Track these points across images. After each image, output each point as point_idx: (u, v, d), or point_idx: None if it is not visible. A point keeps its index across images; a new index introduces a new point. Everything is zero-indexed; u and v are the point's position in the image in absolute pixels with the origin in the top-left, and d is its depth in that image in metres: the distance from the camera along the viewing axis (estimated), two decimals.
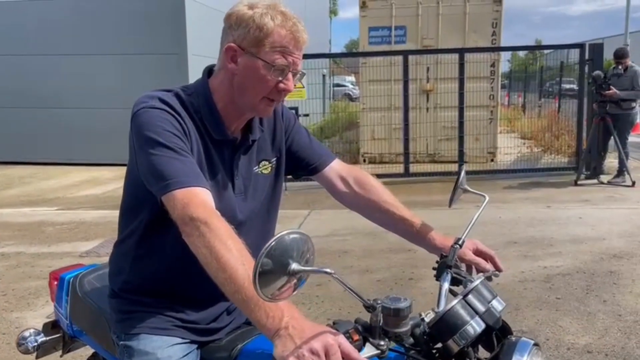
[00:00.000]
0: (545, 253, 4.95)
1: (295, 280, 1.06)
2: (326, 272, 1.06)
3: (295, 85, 1.42)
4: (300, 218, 6.43)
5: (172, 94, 1.39)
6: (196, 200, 1.21)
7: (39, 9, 11.08)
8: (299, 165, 1.63)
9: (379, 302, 1.13)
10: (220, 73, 1.41)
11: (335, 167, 1.65)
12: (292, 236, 1.04)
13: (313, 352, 1.01)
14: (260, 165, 1.52)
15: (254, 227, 1.50)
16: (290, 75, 1.37)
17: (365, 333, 1.12)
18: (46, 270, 4.82)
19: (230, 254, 1.14)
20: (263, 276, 1.01)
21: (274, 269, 1.03)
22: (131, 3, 10.84)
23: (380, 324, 1.13)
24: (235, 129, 1.46)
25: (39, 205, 7.63)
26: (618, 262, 4.66)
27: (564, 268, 4.55)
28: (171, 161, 1.26)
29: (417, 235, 1.60)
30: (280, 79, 1.35)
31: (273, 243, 1.01)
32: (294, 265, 1.04)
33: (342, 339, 1.05)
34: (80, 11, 10.99)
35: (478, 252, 1.52)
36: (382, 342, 1.12)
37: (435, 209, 6.86)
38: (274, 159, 1.55)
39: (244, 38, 1.34)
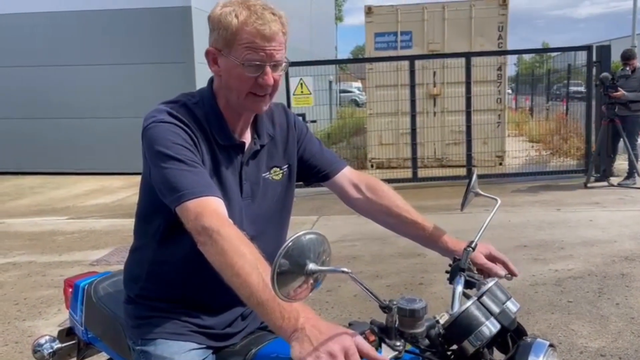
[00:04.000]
0: (556, 256, 4.92)
1: (311, 281, 1.07)
2: (343, 272, 1.07)
3: (280, 77, 1.41)
4: (309, 224, 6.44)
5: (179, 105, 1.41)
6: (208, 210, 1.23)
7: (49, 20, 11.20)
8: (311, 172, 1.65)
9: (395, 303, 1.13)
10: (215, 78, 1.45)
11: (347, 174, 1.66)
12: (308, 236, 1.06)
13: (331, 353, 1.01)
14: (272, 172, 1.53)
15: (264, 231, 1.50)
16: (268, 69, 1.35)
17: (381, 334, 1.13)
18: (57, 279, 4.86)
19: (243, 259, 1.15)
20: (281, 276, 1.02)
21: (291, 269, 1.04)
22: (139, 13, 10.93)
23: (396, 325, 1.13)
24: (241, 133, 1.47)
25: (50, 215, 7.68)
26: (630, 264, 4.63)
27: (575, 271, 4.51)
28: (183, 173, 1.28)
29: (430, 239, 1.60)
30: (257, 74, 1.35)
31: (290, 243, 1.03)
32: (311, 266, 1.06)
33: (359, 339, 1.05)
34: (89, 22, 11.10)
35: (491, 257, 1.52)
36: (398, 343, 1.12)
37: (444, 213, 6.84)
38: (286, 166, 1.56)
39: (217, 40, 1.36)
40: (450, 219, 6.54)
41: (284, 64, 1.38)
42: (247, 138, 1.49)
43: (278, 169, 1.54)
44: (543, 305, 3.84)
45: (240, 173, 1.46)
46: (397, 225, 1.64)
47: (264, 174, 1.51)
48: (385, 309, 1.12)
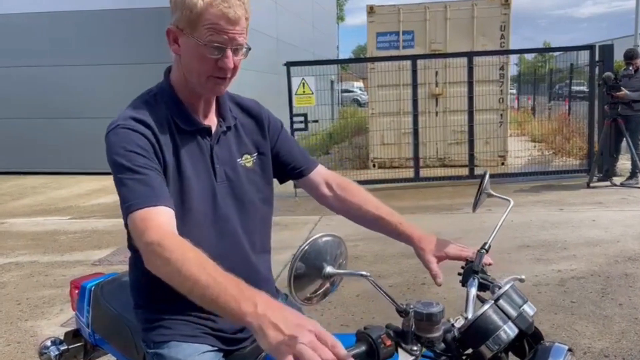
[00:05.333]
0: (559, 256, 4.90)
1: (328, 285, 1.05)
2: (362, 275, 1.06)
3: (240, 60, 1.40)
4: (311, 224, 6.42)
5: (140, 102, 1.44)
6: (151, 224, 1.24)
7: (51, 21, 11.22)
8: (286, 169, 1.66)
9: (412, 307, 1.12)
10: (174, 61, 1.45)
11: (321, 172, 1.70)
12: (325, 239, 1.05)
13: (306, 339, 0.95)
14: (243, 158, 1.54)
15: (248, 216, 1.52)
16: (229, 52, 1.36)
17: (398, 338, 1.10)
18: (60, 279, 4.86)
19: (189, 262, 1.14)
20: (297, 280, 1.01)
21: (308, 273, 1.03)
22: (140, 13, 10.93)
23: (413, 329, 1.11)
24: (204, 117, 1.49)
25: (52, 215, 7.69)
26: (633, 264, 4.61)
27: (578, 271, 4.50)
28: (132, 183, 1.30)
29: (396, 232, 1.61)
30: (219, 56, 1.36)
31: (306, 247, 1.01)
32: (329, 269, 1.04)
33: (319, 325, 0.99)
34: (91, 23, 11.12)
35: (444, 256, 1.55)
36: (415, 348, 1.10)
37: (446, 213, 6.83)
38: (255, 154, 1.57)
39: (179, 20, 1.36)
40: (453, 218, 6.53)
41: (244, 49, 1.40)
42: (213, 122, 1.50)
43: (249, 156, 1.55)
44: (546, 305, 3.83)
45: (211, 156, 1.47)
46: (368, 221, 1.66)
47: (238, 159, 1.53)
48: (402, 312, 1.11)
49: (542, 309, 3.78)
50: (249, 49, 1.41)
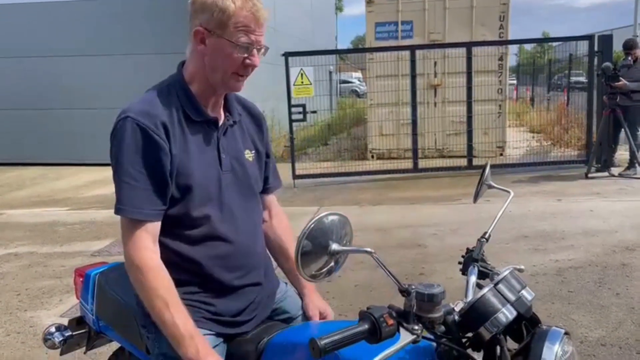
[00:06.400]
0: (557, 246, 4.92)
1: (332, 263, 1.07)
2: (367, 252, 1.10)
3: (259, 59, 1.51)
4: (309, 215, 6.44)
5: (156, 92, 1.51)
6: (134, 240, 1.41)
7: (50, 11, 11.15)
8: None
9: (414, 287, 1.15)
10: (192, 57, 1.53)
11: (274, 198, 1.82)
12: (330, 218, 1.09)
13: None
14: (246, 152, 1.62)
15: (247, 207, 1.60)
16: (255, 52, 1.48)
17: (399, 318, 1.13)
18: (59, 269, 4.87)
19: (155, 294, 1.38)
20: (304, 257, 1.06)
21: (314, 250, 1.07)
22: (137, 3, 10.87)
23: (414, 310, 1.14)
24: (213, 109, 1.56)
25: (50, 206, 7.69)
26: (630, 254, 4.63)
27: (575, 261, 4.52)
28: (126, 187, 1.42)
29: (297, 288, 1.77)
30: (245, 55, 1.46)
31: (312, 225, 1.06)
32: (334, 246, 1.09)
33: None
34: (90, 12, 11.05)
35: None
36: (416, 327, 1.13)
37: (444, 203, 6.85)
38: (254, 151, 1.65)
39: (209, 21, 1.44)
40: (451, 209, 6.54)
41: (264, 48, 1.51)
42: (220, 115, 1.59)
43: (249, 151, 1.64)
44: (544, 295, 3.85)
45: (218, 147, 1.54)
46: (277, 259, 1.79)
47: (243, 152, 1.61)
48: (404, 292, 1.14)
49: (540, 298, 3.80)
50: (267, 48, 1.52)
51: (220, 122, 1.57)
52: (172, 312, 1.36)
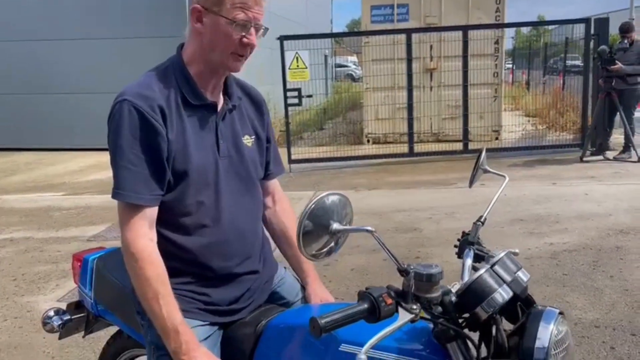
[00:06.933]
0: (552, 230, 4.95)
1: (332, 244, 1.11)
2: (367, 230, 1.12)
3: (257, 40, 1.48)
4: (305, 199, 6.44)
5: (154, 75, 1.48)
6: (131, 227, 1.40)
7: None
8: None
9: (412, 267, 1.16)
10: (191, 38, 1.50)
11: (276, 183, 1.79)
12: (331, 198, 1.11)
13: None
14: (245, 138, 1.59)
15: (245, 193, 1.58)
16: (252, 30, 1.44)
17: (398, 298, 1.15)
18: (55, 254, 4.87)
19: (149, 290, 1.38)
20: (306, 236, 1.08)
21: (315, 230, 1.09)
22: None
23: (412, 290, 1.16)
24: (212, 92, 1.52)
25: (46, 191, 7.66)
26: (625, 237, 4.67)
27: (570, 244, 4.55)
28: (124, 172, 1.39)
29: (300, 276, 1.76)
30: (243, 34, 1.42)
31: (313, 205, 1.07)
32: (335, 225, 1.10)
33: None
34: None
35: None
36: (414, 307, 1.14)
37: (440, 188, 6.87)
38: (254, 136, 1.62)
39: None
40: (447, 193, 6.56)
41: (262, 29, 1.47)
42: (219, 99, 1.55)
43: (248, 137, 1.60)
44: (538, 278, 3.88)
45: (216, 132, 1.51)
46: (280, 247, 1.78)
47: (242, 138, 1.58)
48: (403, 272, 1.15)
49: (534, 281, 3.84)
50: (267, 29, 1.48)
51: (219, 107, 1.53)
52: (161, 304, 1.36)
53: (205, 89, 1.50)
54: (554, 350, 1.14)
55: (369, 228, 1.11)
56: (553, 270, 4.03)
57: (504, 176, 1.59)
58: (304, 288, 1.74)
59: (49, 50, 11.10)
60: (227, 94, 1.57)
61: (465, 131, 8.85)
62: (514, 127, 9.96)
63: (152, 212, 1.43)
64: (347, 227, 1.11)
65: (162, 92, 1.44)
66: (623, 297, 3.55)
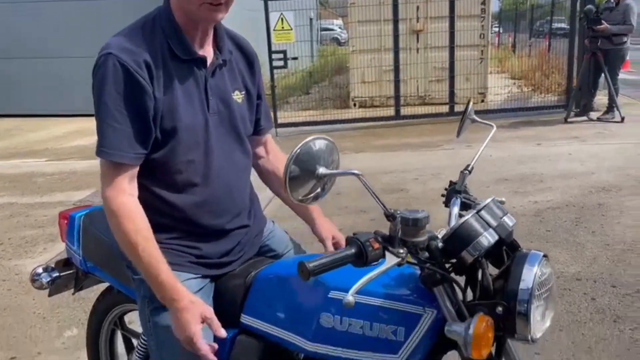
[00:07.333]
0: (536, 189, 5.02)
1: (319, 189, 1.13)
2: (354, 174, 1.13)
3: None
4: None
5: (139, 27, 1.42)
6: (113, 185, 1.38)
7: None
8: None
9: (399, 212, 1.17)
10: None
11: (268, 136, 1.78)
12: (318, 142, 1.11)
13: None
14: (235, 94, 1.55)
15: (234, 151, 1.55)
16: None
17: (385, 242, 1.16)
18: (41, 219, 4.84)
19: (130, 244, 1.36)
20: (292, 181, 1.07)
21: (302, 174, 1.08)
22: None
23: (399, 234, 1.17)
24: (201, 44, 1.47)
25: (28, 157, 7.56)
26: (606, 194, 4.75)
27: (553, 202, 4.63)
28: (108, 129, 1.36)
29: (304, 215, 1.76)
30: None
31: (298, 150, 1.06)
32: (322, 170, 1.10)
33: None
34: None
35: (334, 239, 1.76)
36: (401, 250, 1.16)
37: (426, 150, 6.90)
38: (244, 91, 1.58)
39: None
40: (432, 155, 6.60)
41: None
42: (209, 53, 1.49)
43: (238, 92, 1.56)
44: (523, 235, 3.95)
45: (205, 88, 1.47)
46: (278, 190, 1.76)
47: (232, 94, 1.54)
48: (390, 217, 1.16)
49: (519, 238, 3.81)
50: None
51: (209, 61, 1.48)
52: (142, 256, 1.36)
53: (193, 39, 1.44)
54: (538, 291, 1.17)
55: (356, 171, 1.11)
56: (537, 227, 4.10)
57: (492, 125, 1.60)
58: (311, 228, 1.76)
59: (27, 12, 10.76)
60: (217, 47, 1.51)
61: (452, 93, 8.84)
62: (500, 89, 9.96)
63: (135, 170, 1.41)
64: (333, 171, 1.11)
65: (149, 45, 1.38)
66: (604, 252, 3.63)
